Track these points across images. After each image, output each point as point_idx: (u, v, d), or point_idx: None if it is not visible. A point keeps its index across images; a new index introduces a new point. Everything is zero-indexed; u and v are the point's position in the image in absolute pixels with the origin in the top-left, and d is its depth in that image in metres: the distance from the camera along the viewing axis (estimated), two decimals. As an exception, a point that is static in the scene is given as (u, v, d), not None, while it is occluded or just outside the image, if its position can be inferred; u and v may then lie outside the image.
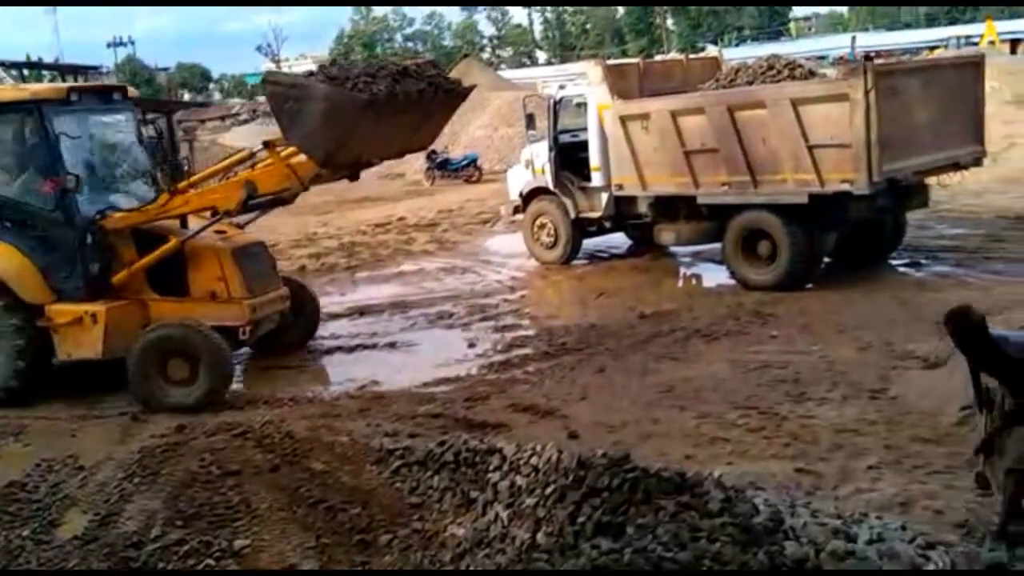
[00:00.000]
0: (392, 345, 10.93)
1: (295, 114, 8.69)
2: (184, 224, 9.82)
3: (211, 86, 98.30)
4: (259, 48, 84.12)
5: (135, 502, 5.89)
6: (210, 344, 9.09)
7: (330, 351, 10.91)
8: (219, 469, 6.08)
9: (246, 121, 46.41)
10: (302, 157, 9.09)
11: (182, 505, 5.75)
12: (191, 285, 9.71)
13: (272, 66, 73.29)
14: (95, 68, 18.04)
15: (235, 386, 9.49)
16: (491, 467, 5.61)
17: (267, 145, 9.50)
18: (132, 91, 10.96)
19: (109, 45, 67.55)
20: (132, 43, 71.70)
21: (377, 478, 5.94)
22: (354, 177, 10.11)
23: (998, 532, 4.72)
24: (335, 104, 8.62)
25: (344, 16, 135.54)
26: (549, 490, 4.97)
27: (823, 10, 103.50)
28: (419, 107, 9.43)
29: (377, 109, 8.80)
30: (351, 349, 10.88)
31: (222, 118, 49.48)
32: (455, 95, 10.00)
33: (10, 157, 9.90)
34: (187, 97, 77.82)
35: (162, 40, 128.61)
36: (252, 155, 9.85)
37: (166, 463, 6.31)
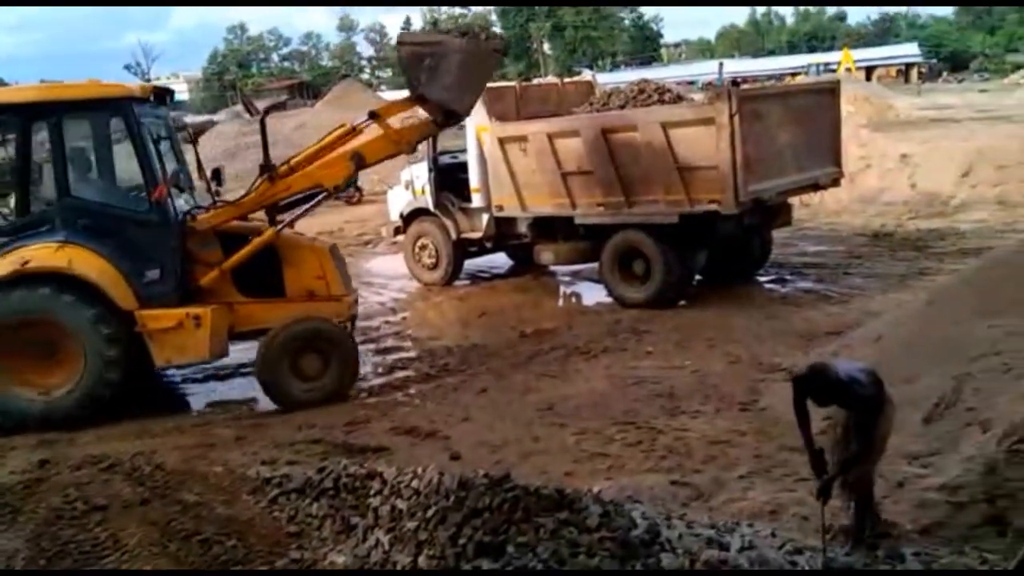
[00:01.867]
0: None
1: (433, 70, 9.20)
2: (272, 221, 9.68)
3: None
4: (127, 67, 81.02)
5: (-7, 543, 5.56)
6: (343, 339, 9.37)
7: (204, 378, 10.58)
8: (85, 504, 5.78)
9: (115, 141, 44.52)
10: (408, 122, 9.64)
11: (45, 544, 5.44)
12: (288, 285, 9.64)
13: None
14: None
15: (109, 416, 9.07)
16: (372, 492, 5.53)
17: (373, 115, 9.63)
18: None
19: (-38, 61, 63.91)
20: (-11, 60, 68.09)
21: (253, 508, 5.77)
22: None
23: (855, 538, 4.95)
24: (471, 55, 9.36)
25: (218, 36, 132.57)
26: (430, 513, 4.94)
27: (692, 37, 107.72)
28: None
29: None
30: (226, 376, 10.58)
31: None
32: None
33: (95, 158, 9.49)
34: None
35: (31, 58, 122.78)
36: (353, 129, 9.78)
37: (28, 500, 5.96)
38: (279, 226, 9.55)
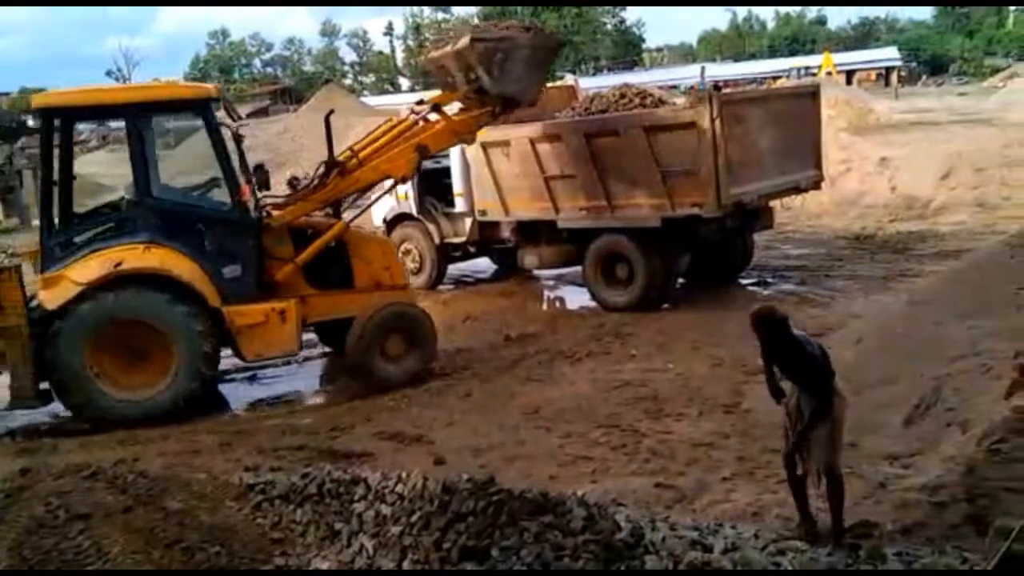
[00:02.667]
0: (252, 378, 10.66)
1: (503, 63, 9.95)
2: (337, 214, 10.16)
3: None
4: (109, 72, 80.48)
5: (-26, 553, 5.51)
6: (424, 321, 9.92)
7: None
8: (67, 513, 5.73)
9: (96, 148, 44.36)
10: (466, 113, 10.32)
11: (27, 553, 5.40)
12: (356, 275, 9.99)
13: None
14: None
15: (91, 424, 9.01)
16: (356, 497, 5.52)
17: (436, 108, 10.28)
18: None
19: (-59, 67, 63.34)
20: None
21: (237, 515, 5.75)
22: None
23: (835, 538, 4.99)
24: (536, 49, 10.24)
25: (200, 41, 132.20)
26: (415, 518, 4.94)
27: (674, 42, 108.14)
28: None
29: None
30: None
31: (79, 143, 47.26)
32: None
33: (180, 157, 9.49)
34: (31, 123, 73.72)
35: (11, 64, 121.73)
36: (416, 122, 10.37)
37: (8, 509, 5.92)
38: (350, 219, 10.21)
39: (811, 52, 77.41)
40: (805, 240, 16.57)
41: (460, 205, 14.03)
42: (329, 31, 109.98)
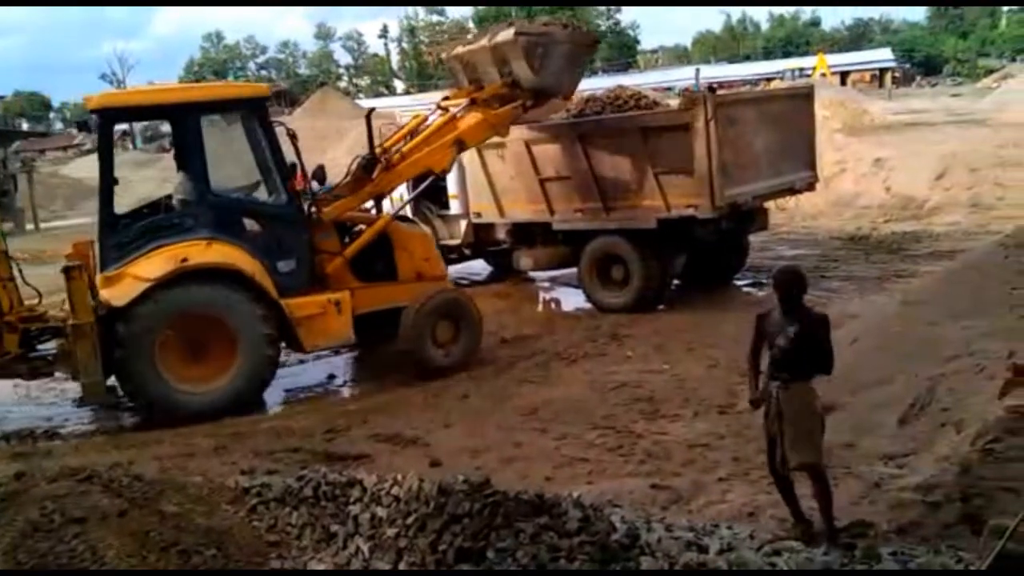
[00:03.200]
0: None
1: (544, 58, 10.61)
2: (379, 209, 10.62)
3: (51, 115, 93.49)
4: (103, 76, 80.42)
5: (-32, 558, 5.50)
6: (471, 309, 10.34)
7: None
8: (62, 516, 5.72)
9: (90, 151, 44.29)
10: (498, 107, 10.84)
11: (22, 557, 5.39)
12: (400, 268, 10.32)
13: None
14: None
15: (87, 427, 9.00)
16: (352, 500, 5.52)
17: (474, 101, 10.82)
18: None
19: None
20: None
21: (233, 518, 5.75)
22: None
23: (830, 537, 5.00)
24: (575, 45, 11.00)
25: (195, 44, 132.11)
26: (410, 520, 4.94)
27: (669, 43, 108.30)
28: None
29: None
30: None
31: (64, 148, 47.17)
32: None
33: (236, 156, 9.88)
34: (25, 127, 73.56)
35: (4, 68, 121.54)
36: (454, 116, 10.84)
37: (3, 514, 5.91)
38: (394, 212, 10.72)
39: (805, 53, 77.54)
40: (800, 241, 16.60)
41: (455, 207, 14.04)
42: (324, 34, 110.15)
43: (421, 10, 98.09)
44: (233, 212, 9.47)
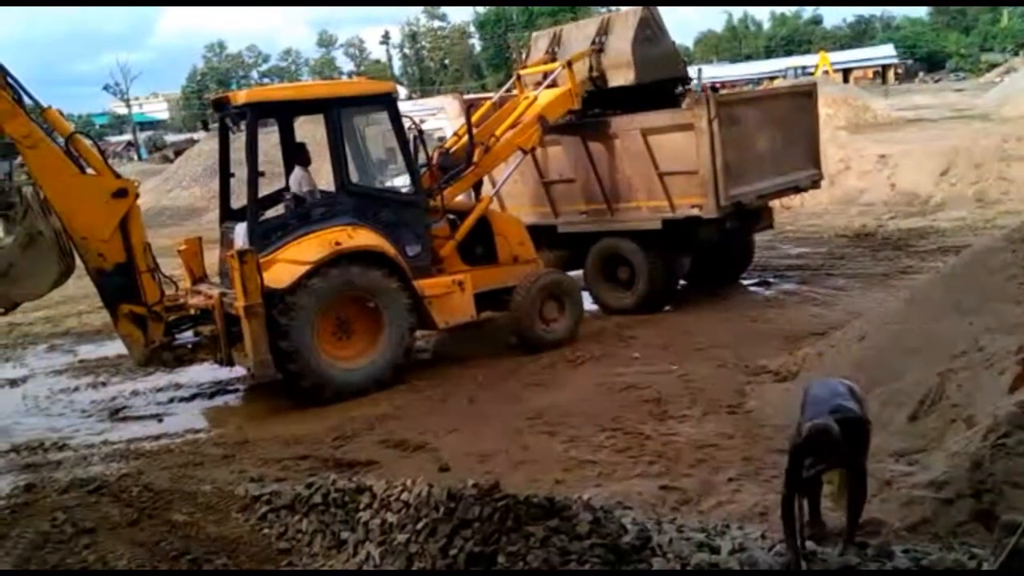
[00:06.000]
0: (256, 388, 10.65)
1: (648, 41, 11.85)
2: (477, 194, 11.32)
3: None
4: (106, 87, 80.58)
5: (-20, 569, 5.51)
6: (575, 289, 11.24)
7: (191, 397, 10.53)
8: (73, 527, 5.75)
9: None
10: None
11: (33, 567, 5.42)
12: (499, 251, 11.06)
13: (122, 105, 71.65)
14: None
15: (96, 438, 9.02)
16: (361, 506, 5.52)
17: (569, 65, 11.62)
18: None
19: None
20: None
21: (243, 526, 5.76)
22: None
23: (846, 539, 4.96)
24: (669, 60, 12.37)
25: (197, 54, 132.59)
26: (420, 525, 4.93)
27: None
28: None
29: None
30: (212, 394, 10.54)
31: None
32: None
33: (373, 147, 10.86)
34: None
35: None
36: (535, 99, 11.65)
37: (15, 525, 5.92)
38: (494, 192, 11.45)
39: (807, 52, 77.61)
40: (806, 239, 16.57)
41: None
42: (326, 41, 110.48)
43: (422, 16, 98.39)
44: (369, 200, 10.14)
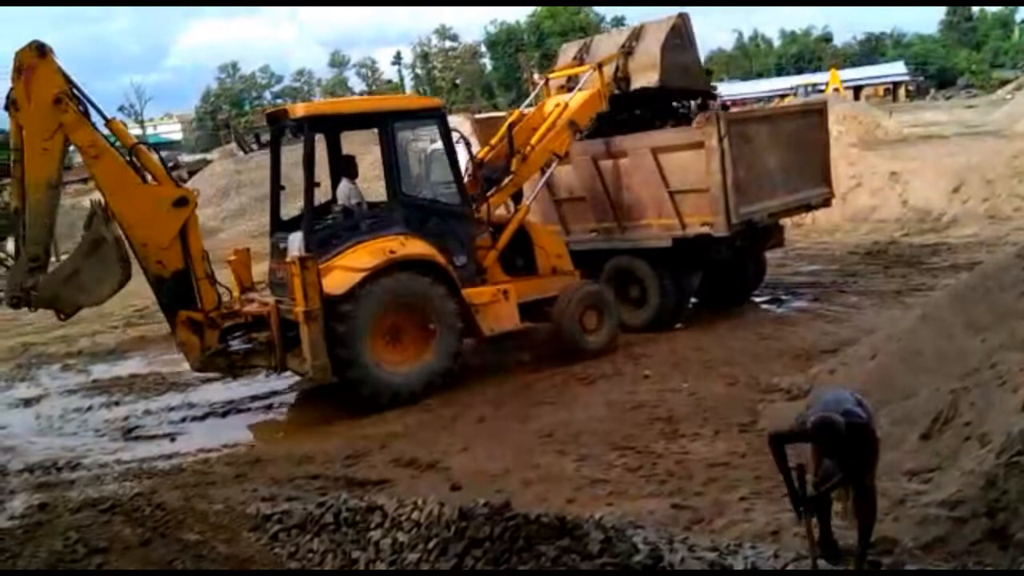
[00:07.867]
0: (269, 407, 10.69)
1: (676, 49, 12.06)
2: (516, 203, 11.54)
3: (71, 148, 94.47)
4: (121, 108, 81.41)
5: (-7, 589, 5.54)
6: (612, 301, 11.47)
7: (203, 416, 10.55)
8: (85, 547, 5.77)
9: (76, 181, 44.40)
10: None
11: (46, 589, 5.43)
12: (539, 263, 11.33)
13: (136, 127, 72.50)
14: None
15: (109, 457, 9.05)
16: (372, 525, 5.53)
17: (599, 67, 11.85)
18: None
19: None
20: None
21: (254, 545, 5.76)
22: None
23: (860, 558, 4.92)
24: (698, 73, 12.84)
25: (211, 75, 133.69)
26: (432, 544, 4.95)
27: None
28: None
29: None
30: (224, 413, 10.55)
31: (84, 180, 47.48)
32: None
33: (425, 161, 11.14)
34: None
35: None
36: (565, 105, 11.77)
37: (27, 544, 5.95)
38: (529, 200, 11.52)
39: (818, 69, 77.66)
40: (817, 256, 16.54)
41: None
42: (338, 62, 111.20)
43: (434, 36, 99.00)
44: (420, 211, 10.34)
